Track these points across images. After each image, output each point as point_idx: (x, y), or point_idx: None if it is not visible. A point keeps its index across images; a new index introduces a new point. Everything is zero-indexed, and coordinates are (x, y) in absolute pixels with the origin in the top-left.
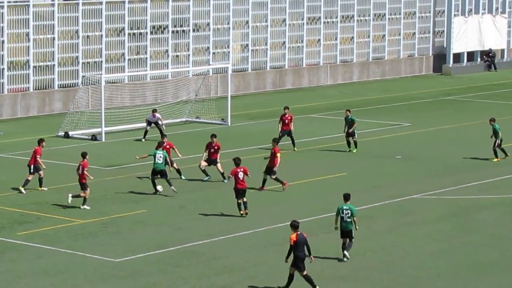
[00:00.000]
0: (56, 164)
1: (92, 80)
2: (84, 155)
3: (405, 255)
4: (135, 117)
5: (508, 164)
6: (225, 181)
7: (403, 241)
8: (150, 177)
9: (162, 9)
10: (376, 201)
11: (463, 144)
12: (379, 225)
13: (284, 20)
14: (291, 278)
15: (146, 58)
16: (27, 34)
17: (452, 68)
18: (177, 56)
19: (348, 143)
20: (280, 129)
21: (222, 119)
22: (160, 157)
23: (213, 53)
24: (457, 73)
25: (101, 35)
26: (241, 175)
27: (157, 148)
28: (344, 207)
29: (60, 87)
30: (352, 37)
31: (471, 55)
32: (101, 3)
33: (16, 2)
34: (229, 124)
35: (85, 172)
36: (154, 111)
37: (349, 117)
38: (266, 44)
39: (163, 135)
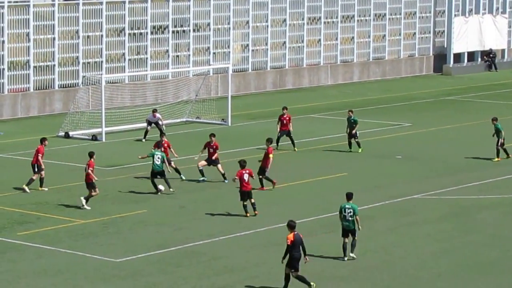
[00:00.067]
0: (57, 164)
1: (92, 80)
2: (91, 154)
3: (405, 255)
4: (136, 117)
5: (509, 164)
6: (226, 181)
7: (404, 241)
8: (150, 179)
9: (162, 9)
10: (376, 201)
11: (464, 144)
12: (379, 225)
13: (285, 20)
14: (288, 278)
15: (147, 58)
16: (28, 34)
17: (453, 68)
18: (177, 56)
19: (350, 144)
20: (278, 129)
21: (223, 119)
22: (158, 158)
23: (214, 53)
24: (457, 73)
25: (102, 35)
26: (246, 177)
27: (155, 147)
28: (347, 206)
29: (61, 87)
30: (353, 37)
31: (471, 55)
32: (101, 3)
33: (17, 2)
34: (230, 124)
35: (89, 171)
36: (155, 111)
37: (352, 117)
38: (266, 44)
39: (162, 134)
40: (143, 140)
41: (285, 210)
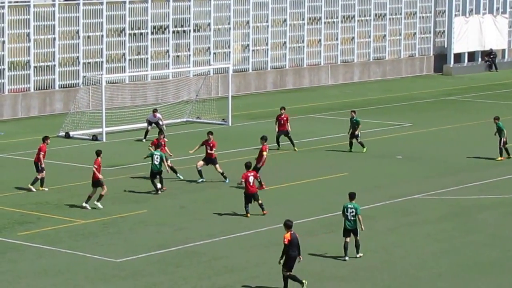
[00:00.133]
0: (57, 164)
1: (92, 80)
2: (98, 153)
3: (406, 255)
4: (136, 117)
5: (509, 164)
6: (226, 181)
7: (404, 241)
8: (150, 179)
9: (163, 9)
10: (377, 201)
11: (464, 144)
12: (380, 225)
13: (285, 20)
14: (286, 278)
15: (147, 58)
16: (28, 35)
17: (453, 68)
18: (178, 56)
19: (351, 144)
20: (276, 129)
21: (223, 119)
22: (157, 158)
23: (214, 53)
24: (458, 73)
25: (102, 35)
26: (251, 179)
27: (152, 145)
28: (349, 206)
29: (61, 87)
30: (353, 37)
31: (471, 55)
32: (101, 3)
33: (17, 2)
34: (230, 124)
35: (93, 169)
36: (155, 111)
37: (354, 118)
38: (267, 44)
39: (160, 133)
40: (144, 140)
41: (285, 210)
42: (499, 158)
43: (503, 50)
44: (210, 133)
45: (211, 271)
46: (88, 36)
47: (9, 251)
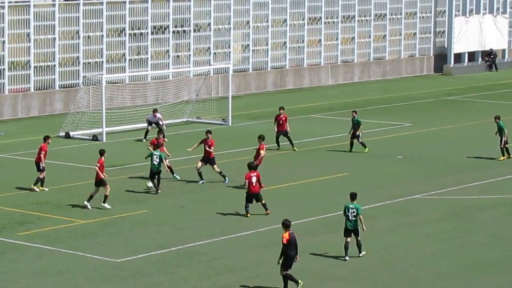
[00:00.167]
0: (57, 165)
1: (93, 81)
2: (102, 152)
3: (406, 255)
4: (136, 117)
5: (509, 164)
6: (226, 181)
7: (404, 241)
8: (149, 179)
9: (163, 10)
10: (377, 201)
11: (465, 144)
12: (380, 225)
13: (285, 20)
14: (286, 278)
15: (147, 58)
16: (28, 35)
17: (453, 68)
18: (178, 56)
19: (351, 144)
20: (276, 129)
21: (223, 119)
22: (157, 158)
23: (214, 53)
24: (458, 73)
25: (102, 35)
26: (254, 179)
27: (151, 144)
28: (350, 206)
29: (61, 87)
30: (353, 37)
31: (472, 55)
32: (102, 3)
33: (17, 2)
34: (230, 124)
35: (95, 168)
36: (155, 111)
37: (355, 118)
38: (267, 44)
39: (160, 132)
40: (144, 140)
41: (286, 210)
42: (501, 158)
43: (503, 50)
44: (208, 132)
45: (211, 271)
46: (88, 36)
47: (9, 251)
